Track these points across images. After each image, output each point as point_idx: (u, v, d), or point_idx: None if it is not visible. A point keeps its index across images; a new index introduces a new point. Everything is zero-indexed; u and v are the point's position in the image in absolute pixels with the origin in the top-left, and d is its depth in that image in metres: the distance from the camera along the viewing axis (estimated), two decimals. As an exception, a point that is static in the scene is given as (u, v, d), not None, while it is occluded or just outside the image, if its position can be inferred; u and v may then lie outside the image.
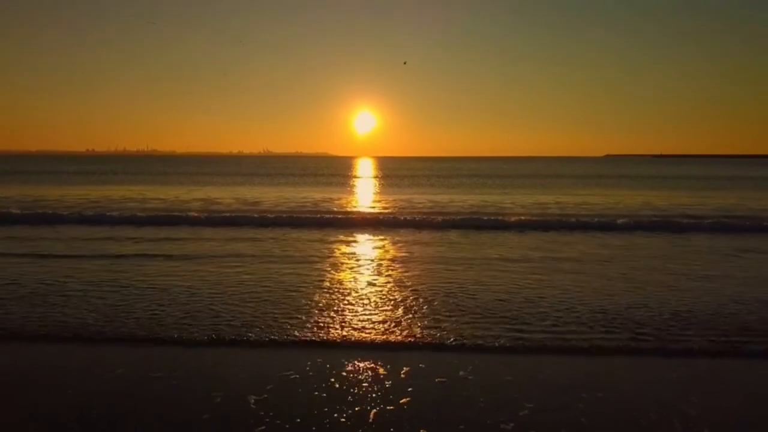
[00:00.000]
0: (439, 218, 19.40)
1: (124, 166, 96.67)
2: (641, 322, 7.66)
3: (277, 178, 55.19)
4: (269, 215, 19.71)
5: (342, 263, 12.04)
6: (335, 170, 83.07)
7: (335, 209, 23.67)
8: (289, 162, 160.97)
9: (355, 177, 55.26)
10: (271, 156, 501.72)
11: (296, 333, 7.12)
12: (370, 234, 16.51)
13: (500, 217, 19.72)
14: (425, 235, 16.37)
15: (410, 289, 9.54)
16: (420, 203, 26.97)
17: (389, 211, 23.14)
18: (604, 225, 18.27)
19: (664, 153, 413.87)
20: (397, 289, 9.61)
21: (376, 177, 55.98)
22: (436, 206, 25.21)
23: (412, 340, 6.96)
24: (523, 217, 19.70)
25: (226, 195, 31.40)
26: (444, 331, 7.24)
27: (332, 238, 15.48)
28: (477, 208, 24.76)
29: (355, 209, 24.17)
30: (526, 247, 14.27)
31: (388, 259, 12.56)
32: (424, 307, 8.35)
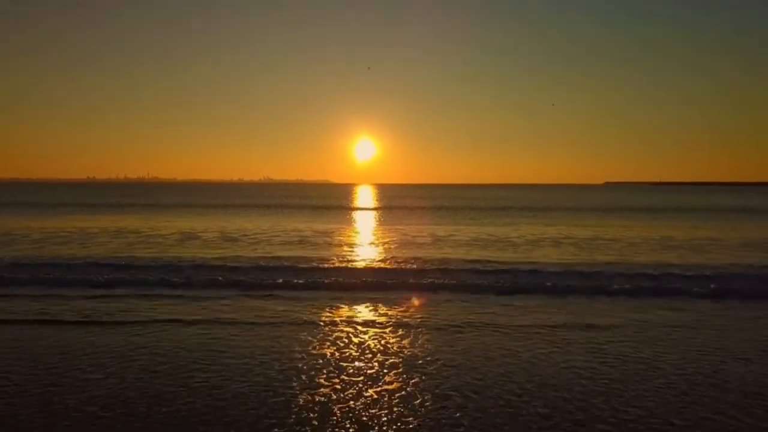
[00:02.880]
0: (446, 280, 13.74)
1: (98, 194, 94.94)
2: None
3: (269, 210, 53.09)
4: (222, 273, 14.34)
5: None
6: (334, 199, 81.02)
7: (321, 258, 17.01)
8: (289, 189, 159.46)
9: (354, 208, 52.64)
10: (271, 183, 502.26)
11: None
12: (362, 304, 11.45)
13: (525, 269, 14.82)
14: (434, 306, 11.29)
15: None
16: (421, 239, 24.64)
17: (386, 258, 17.51)
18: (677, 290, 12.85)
19: (663, 180, 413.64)
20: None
21: (373, 208, 53.46)
22: (440, 242, 22.88)
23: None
24: (550, 278, 13.97)
25: (212, 226, 29.12)
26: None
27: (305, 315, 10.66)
28: (486, 249, 22.40)
29: (345, 255, 18.08)
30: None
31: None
32: None
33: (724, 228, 30.77)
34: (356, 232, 28.09)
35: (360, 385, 6.79)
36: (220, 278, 13.59)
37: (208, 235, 24.80)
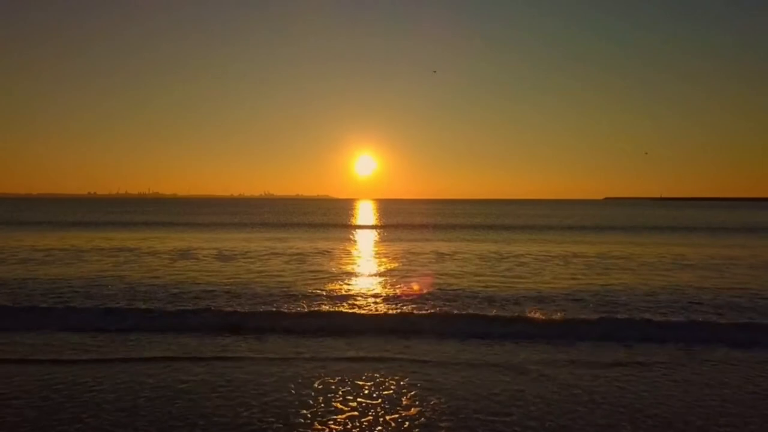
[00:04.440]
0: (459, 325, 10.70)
1: (97, 210, 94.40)
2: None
3: (265, 228, 52.34)
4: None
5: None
6: (333, 216, 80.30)
7: (310, 289, 14.23)
8: (290, 205, 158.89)
9: (353, 226, 51.64)
10: (271, 198, 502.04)
11: None
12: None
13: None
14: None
15: None
16: (424, 255, 23.81)
17: (384, 286, 15.12)
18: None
19: (664, 196, 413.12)
20: None
21: (374, 226, 52.47)
22: (445, 258, 22.04)
23: None
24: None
25: (206, 245, 28.30)
26: None
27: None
28: (496, 272, 21.54)
29: (340, 284, 15.50)
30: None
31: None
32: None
33: (734, 246, 29.96)
34: (355, 257, 27.25)
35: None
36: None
37: (205, 252, 23.97)
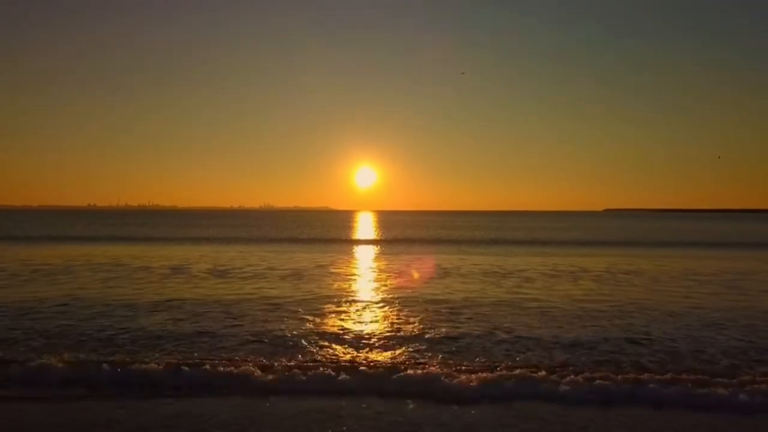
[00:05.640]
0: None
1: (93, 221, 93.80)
2: None
3: (268, 243, 51.65)
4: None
5: None
6: (333, 231, 79.61)
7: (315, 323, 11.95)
8: (290, 217, 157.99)
9: (353, 241, 50.44)
10: (271, 210, 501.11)
11: None
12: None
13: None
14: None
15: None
16: (425, 270, 23.00)
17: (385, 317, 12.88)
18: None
19: (664, 207, 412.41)
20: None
21: (373, 240, 51.37)
22: (448, 274, 21.21)
23: None
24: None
25: (203, 259, 27.50)
26: None
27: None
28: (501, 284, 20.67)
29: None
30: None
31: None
32: None
33: (747, 258, 29.16)
34: (350, 277, 26.45)
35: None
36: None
37: (199, 268, 23.15)
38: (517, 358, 9.41)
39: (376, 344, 10.32)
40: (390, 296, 15.90)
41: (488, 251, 34.24)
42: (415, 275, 21.37)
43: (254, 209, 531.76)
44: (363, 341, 10.50)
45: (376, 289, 17.79)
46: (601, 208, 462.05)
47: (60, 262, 24.68)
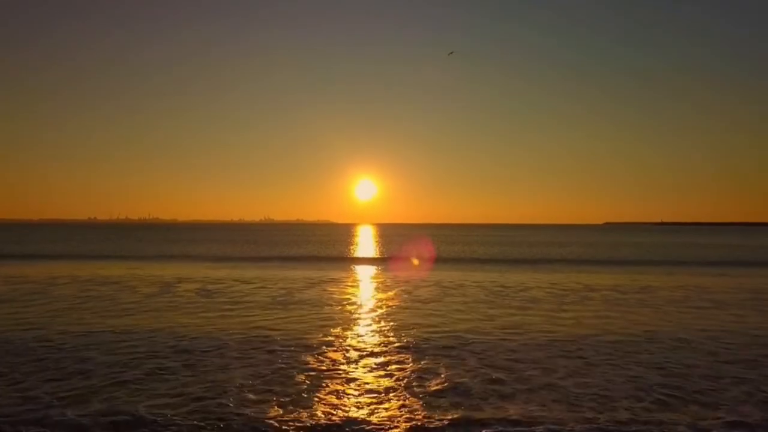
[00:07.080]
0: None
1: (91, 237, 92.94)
2: None
3: (265, 262, 50.68)
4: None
5: None
6: (332, 248, 78.68)
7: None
8: (290, 230, 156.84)
9: (353, 259, 49.19)
10: (271, 223, 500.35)
11: None
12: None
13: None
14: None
15: None
16: (426, 288, 21.99)
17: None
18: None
19: (664, 221, 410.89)
20: None
21: (372, 258, 50.20)
22: (448, 293, 20.19)
23: None
24: None
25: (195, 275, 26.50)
26: None
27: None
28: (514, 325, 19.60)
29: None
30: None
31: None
32: None
33: (756, 276, 28.16)
34: (349, 299, 25.40)
35: None
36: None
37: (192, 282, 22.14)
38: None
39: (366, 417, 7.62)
40: (387, 339, 14.88)
41: (490, 268, 33.22)
42: (415, 304, 20.34)
43: (255, 223, 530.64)
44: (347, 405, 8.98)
45: (370, 328, 16.76)
46: (601, 221, 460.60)
47: (38, 279, 23.68)
